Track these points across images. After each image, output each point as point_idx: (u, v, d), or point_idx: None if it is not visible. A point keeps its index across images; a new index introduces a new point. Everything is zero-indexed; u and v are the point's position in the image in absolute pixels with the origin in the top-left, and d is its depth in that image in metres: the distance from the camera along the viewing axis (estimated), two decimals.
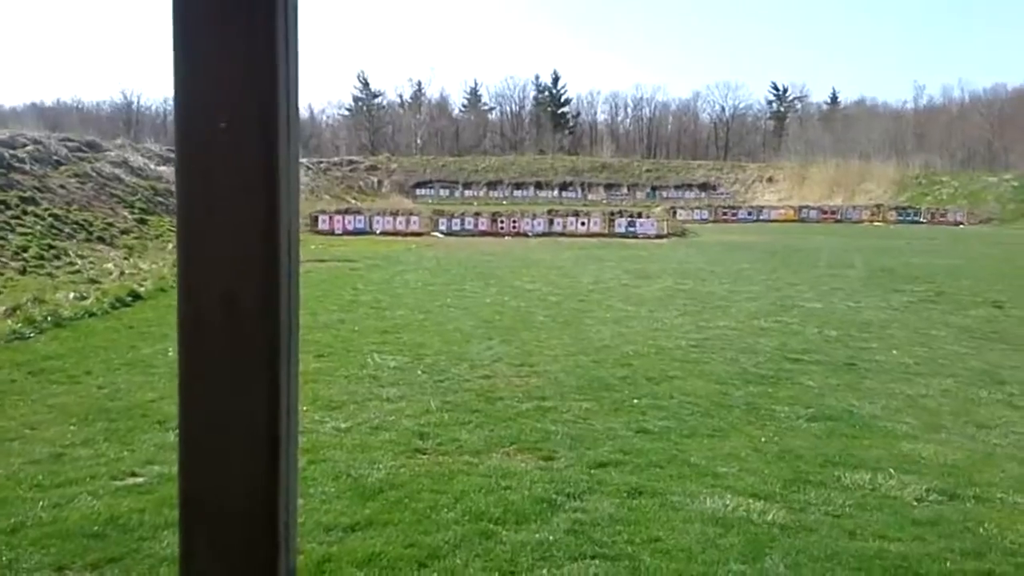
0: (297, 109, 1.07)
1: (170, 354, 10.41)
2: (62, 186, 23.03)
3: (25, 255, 17.90)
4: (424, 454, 6.61)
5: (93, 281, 16.64)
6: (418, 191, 68.64)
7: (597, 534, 5.07)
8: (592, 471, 6.23)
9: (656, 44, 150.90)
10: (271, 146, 1.03)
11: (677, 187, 74.52)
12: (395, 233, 34.45)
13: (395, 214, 37.34)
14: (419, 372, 9.51)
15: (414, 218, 36.80)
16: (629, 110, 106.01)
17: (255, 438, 1.03)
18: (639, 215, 40.10)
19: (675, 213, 47.82)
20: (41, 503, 5.50)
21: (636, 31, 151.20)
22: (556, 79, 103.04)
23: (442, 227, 36.10)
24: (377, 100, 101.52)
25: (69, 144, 26.55)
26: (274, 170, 1.04)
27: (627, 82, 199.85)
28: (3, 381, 9.11)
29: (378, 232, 34.46)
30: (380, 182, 66.31)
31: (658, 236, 35.78)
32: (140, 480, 5.99)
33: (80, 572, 4.51)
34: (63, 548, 4.78)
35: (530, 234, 35.55)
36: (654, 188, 74.43)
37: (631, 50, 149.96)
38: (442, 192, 70.26)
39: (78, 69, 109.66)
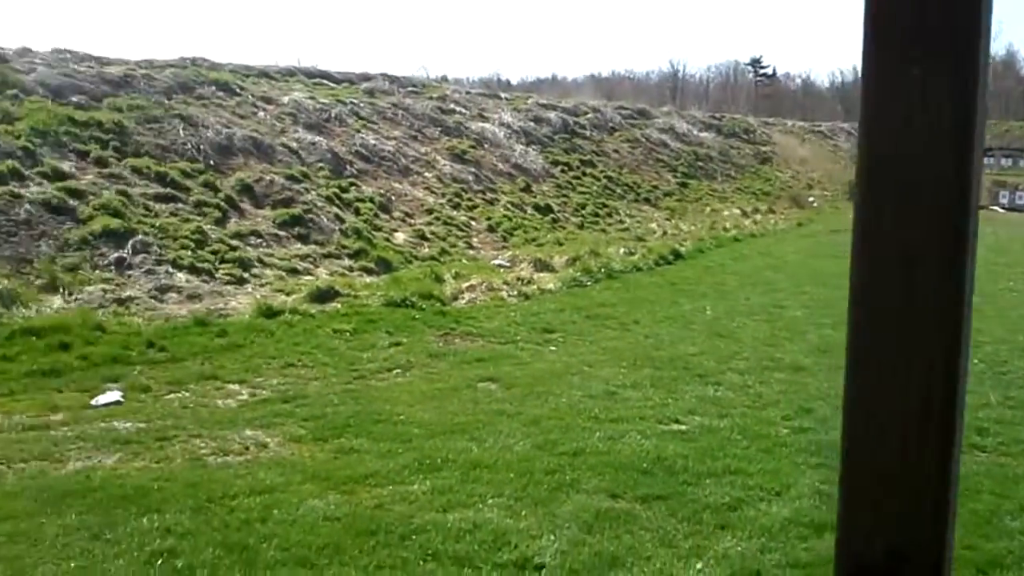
0: (989, 47, 0.95)
1: (708, 313, 10.86)
2: (615, 150, 25.24)
3: (583, 212, 20.07)
4: (982, 451, 5.93)
5: (639, 239, 18.03)
6: None
7: None
8: None
9: None
10: (968, 93, 0.92)
11: None
12: None
13: None
14: (975, 360, 8.55)
15: None
16: None
17: (928, 404, 0.96)
18: None
19: None
20: (597, 434, 6.13)
21: None
22: None
23: (1003, 200, 31.92)
24: None
25: (623, 112, 28.93)
26: (969, 119, 0.94)
27: None
28: (566, 322, 10.35)
29: None
30: None
31: None
32: (683, 428, 6.35)
33: (631, 503, 4.93)
34: (616, 478, 5.27)
35: None
36: None
37: None
38: (1004, 161, 61.93)
39: (630, 41, 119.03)
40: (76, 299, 9.61)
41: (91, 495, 4.81)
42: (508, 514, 4.69)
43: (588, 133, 25.20)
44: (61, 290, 9.73)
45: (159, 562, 4.02)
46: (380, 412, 6.62)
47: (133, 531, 4.34)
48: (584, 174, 22.38)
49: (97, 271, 10.45)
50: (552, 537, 4.39)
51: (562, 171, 21.83)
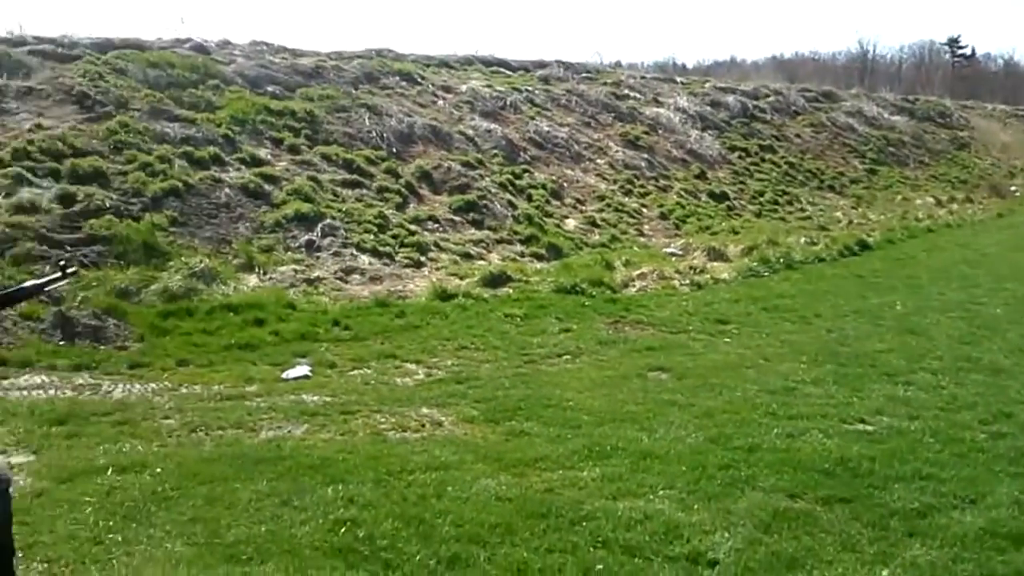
0: None
1: (898, 308, 10.23)
2: (797, 135, 24.19)
3: (761, 199, 19.37)
4: None
5: (822, 228, 17.22)
6: None
7: None
8: None
9: None
10: None
11: None
12: None
13: None
14: None
15: None
16: None
17: None
18: None
19: None
20: (775, 430, 5.89)
21: None
22: None
23: None
24: None
25: (806, 95, 27.65)
26: None
27: None
28: (741, 313, 10.04)
29: None
30: None
31: None
32: (870, 428, 6.01)
33: (811, 504, 4.70)
34: (795, 477, 5.04)
35: None
36: None
37: None
38: None
39: (815, 21, 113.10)
40: (270, 278, 10.25)
41: (281, 463, 5.10)
42: (680, 507, 4.59)
43: (768, 117, 24.29)
44: (256, 269, 10.40)
45: (342, 530, 4.20)
46: (550, 397, 6.65)
47: (319, 499, 4.56)
48: (763, 160, 21.59)
49: (289, 252, 11.10)
50: (726, 534, 4.26)
51: (739, 157, 21.15)
